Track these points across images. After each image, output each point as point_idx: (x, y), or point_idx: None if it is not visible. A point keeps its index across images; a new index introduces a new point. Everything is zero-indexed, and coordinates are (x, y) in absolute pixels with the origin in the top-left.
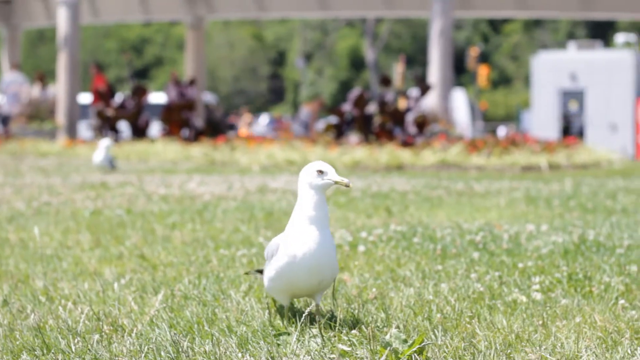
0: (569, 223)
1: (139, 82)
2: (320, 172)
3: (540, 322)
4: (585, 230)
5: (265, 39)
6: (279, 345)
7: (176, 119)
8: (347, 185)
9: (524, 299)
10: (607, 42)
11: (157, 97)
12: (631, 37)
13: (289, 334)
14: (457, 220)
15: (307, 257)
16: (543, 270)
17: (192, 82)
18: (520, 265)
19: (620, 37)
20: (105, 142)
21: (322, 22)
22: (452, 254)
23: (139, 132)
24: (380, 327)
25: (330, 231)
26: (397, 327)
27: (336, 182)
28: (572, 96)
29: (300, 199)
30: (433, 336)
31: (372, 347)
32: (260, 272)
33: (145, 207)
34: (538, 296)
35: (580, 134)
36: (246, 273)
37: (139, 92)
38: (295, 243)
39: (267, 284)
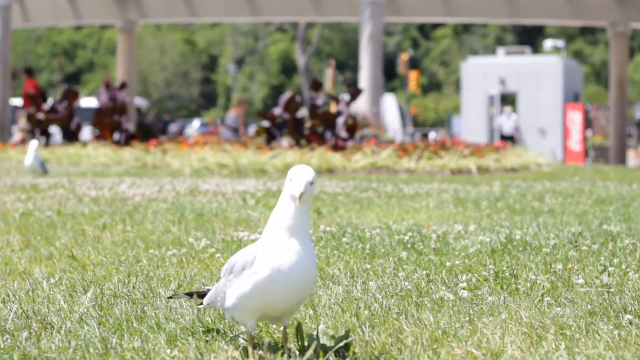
0: (497, 223)
1: (71, 86)
2: (291, 180)
3: (467, 319)
4: (513, 230)
5: (197, 43)
6: (207, 341)
7: (107, 122)
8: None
9: (451, 296)
10: (536, 47)
11: (88, 101)
12: (559, 42)
13: (217, 331)
14: (386, 221)
15: (293, 270)
16: (470, 268)
17: (123, 86)
18: (448, 263)
19: (548, 43)
20: (34, 144)
21: (253, 26)
22: (380, 254)
23: (71, 135)
24: (309, 323)
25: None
26: (325, 323)
27: (291, 196)
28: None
29: (280, 205)
30: (360, 332)
31: (300, 343)
32: (192, 295)
33: (75, 208)
34: (465, 294)
35: (511, 138)
36: (170, 297)
37: (70, 96)
38: (280, 254)
39: (234, 301)
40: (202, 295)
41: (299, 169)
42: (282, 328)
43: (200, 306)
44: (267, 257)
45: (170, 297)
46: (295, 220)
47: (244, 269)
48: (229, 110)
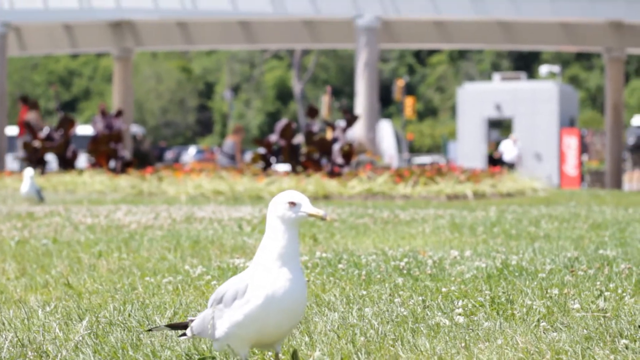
0: (493, 249)
1: (67, 114)
2: (293, 204)
3: (463, 345)
4: (509, 255)
5: (193, 71)
6: None
7: (103, 150)
8: (323, 218)
9: (447, 322)
10: (532, 73)
11: (84, 129)
12: (555, 68)
13: (213, 358)
14: (382, 247)
15: (286, 297)
16: (466, 294)
17: (119, 114)
18: (444, 289)
19: (544, 69)
20: (29, 172)
21: (249, 54)
22: (376, 280)
23: (67, 163)
24: (305, 350)
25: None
26: (321, 350)
27: (310, 215)
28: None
29: (270, 233)
30: (356, 359)
31: None
32: (175, 327)
33: (71, 236)
34: (461, 319)
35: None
36: (149, 330)
37: (66, 124)
38: (273, 282)
39: (225, 331)
40: (184, 326)
41: (296, 194)
42: (275, 354)
43: (183, 337)
44: (259, 286)
45: (149, 330)
46: (286, 247)
47: (235, 298)
48: (226, 138)
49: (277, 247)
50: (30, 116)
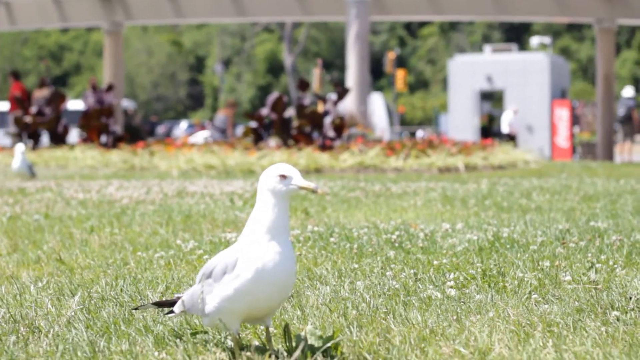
0: (484, 221)
1: (58, 89)
2: (284, 176)
3: (455, 317)
4: (500, 228)
5: (184, 44)
6: (195, 343)
7: (94, 125)
8: (314, 191)
9: (439, 295)
10: (523, 45)
11: (75, 104)
12: (546, 39)
13: (205, 332)
14: (374, 220)
15: (276, 271)
16: (458, 267)
17: (109, 88)
18: (436, 262)
19: (535, 40)
20: (20, 147)
21: (240, 27)
22: (368, 253)
23: (58, 138)
24: (297, 324)
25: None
26: (313, 324)
27: (302, 188)
28: (489, 98)
29: (260, 206)
30: (348, 332)
31: (287, 344)
32: (162, 304)
33: (63, 212)
34: (452, 292)
35: (499, 135)
36: (135, 308)
37: (57, 99)
38: (262, 256)
39: (215, 306)
40: (171, 304)
41: (287, 167)
42: (266, 328)
43: (171, 314)
44: (249, 259)
45: (135, 309)
46: (276, 220)
47: (224, 272)
48: (217, 112)
49: (267, 220)
50: (41, 93)
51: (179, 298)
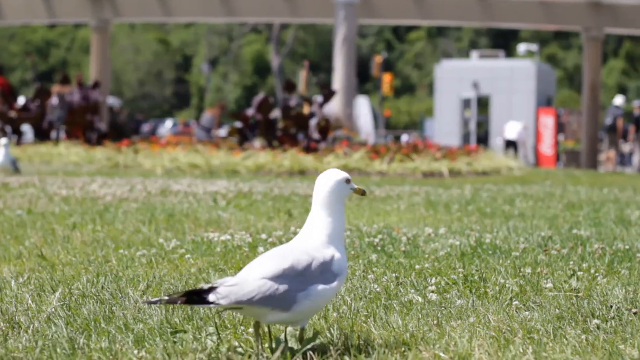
0: (467, 227)
1: (43, 84)
2: (349, 181)
3: (435, 322)
4: (483, 233)
5: (171, 43)
6: (175, 342)
7: (80, 121)
8: (364, 193)
9: (420, 299)
10: (510, 51)
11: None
12: (533, 47)
13: (185, 332)
14: (357, 223)
15: (345, 275)
16: (439, 271)
17: (95, 85)
18: (417, 266)
19: (522, 47)
20: (4, 141)
21: (227, 27)
22: (350, 256)
23: (43, 134)
24: (277, 326)
25: None
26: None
27: (355, 191)
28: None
29: (331, 208)
30: (329, 334)
31: (268, 345)
32: (188, 295)
33: (46, 207)
34: (434, 297)
35: (484, 141)
36: (164, 301)
37: (43, 95)
38: (345, 260)
39: (309, 303)
40: (198, 292)
41: (343, 172)
42: (295, 330)
43: (213, 306)
44: (340, 262)
45: (155, 302)
46: (343, 223)
47: (322, 272)
48: (204, 111)
49: (339, 223)
50: (64, 90)
51: (212, 288)
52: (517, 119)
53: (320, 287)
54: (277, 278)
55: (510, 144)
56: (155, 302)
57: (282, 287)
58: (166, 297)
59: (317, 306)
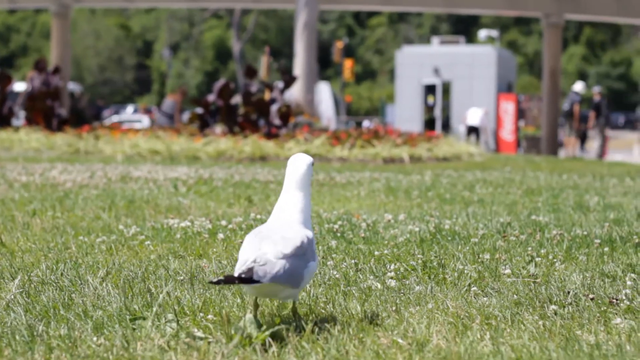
0: (427, 213)
1: (4, 70)
2: (313, 163)
3: (394, 308)
4: (442, 220)
5: (132, 28)
6: (134, 329)
7: (40, 107)
8: None
9: (379, 285)
10: (470, 37)
11: (21, 86)
12: (494, 33)
13: (144, 319)
14: (317, 209)
15: None
16: (399, 258)
17: (56, 71)
18: (377, 253)
19: (483, 33)
20: None
21: (188, 12)
22: None
23: (3, 120)
24: (236, 312)
25: None
26: (252, 312)
27: None
28: (434, 91)
29: (305, 190)
30: (288, 321)
31: (226, 332)
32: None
33: (5, 194)
34: (392, 283)
35: (445, 127)
36: (224, 282)
37: (3, 80)
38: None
39: (306, 279)
40: (244, 275)
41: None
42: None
43: (257, 284)
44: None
45: (215, 283)
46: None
47: (312, 250)
48: (166, 97)
49: (308, 203)
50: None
51: (250, 270)
52: (478, 105)
53: (312, 263)
54: (294, 256)
55: (472, 130)
56: (217, 283)
57: (298, 265)
58: (222, 278)
59: (309, 281)
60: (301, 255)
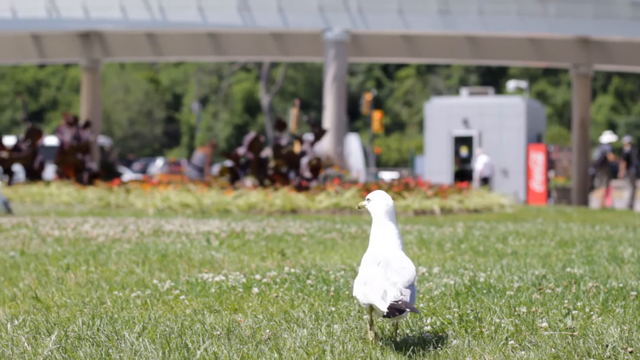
0: (461, 266)
1: (34, 124)
2: None
3: None
4: (477, 272)
5: (161, 82)
6: None
7: (71, 161)
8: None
9: (416, 339)
10: (499, 88)
11: (52, 140)
12: (522, 83)
13: None
14: (350, 262)
15: None
16: (434, 311)
17: (86, 125)
18: None
19: (511, 84)
20: None
21: (217, 65)
22: (345, 296)
23: (34, 174)
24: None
25: None
26: None
27: None
28: (465, 142)
29: (395, 222)
30: None
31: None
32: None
33: (39, 249)
34: (429, 337)
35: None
36: (399, 312)
37: (34, 135)
38: None
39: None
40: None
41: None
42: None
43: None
44: None
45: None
46: None
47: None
48: (196, 150)
49: (400, 234)
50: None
51: (403, 302)
52: (507, 156)
53: (415, 289)
54: (412, 285)
55: (484, 180)
56: (392, 315)
57: (414, 292)
58: (390, 310)
59: None
60: (413, 283)
